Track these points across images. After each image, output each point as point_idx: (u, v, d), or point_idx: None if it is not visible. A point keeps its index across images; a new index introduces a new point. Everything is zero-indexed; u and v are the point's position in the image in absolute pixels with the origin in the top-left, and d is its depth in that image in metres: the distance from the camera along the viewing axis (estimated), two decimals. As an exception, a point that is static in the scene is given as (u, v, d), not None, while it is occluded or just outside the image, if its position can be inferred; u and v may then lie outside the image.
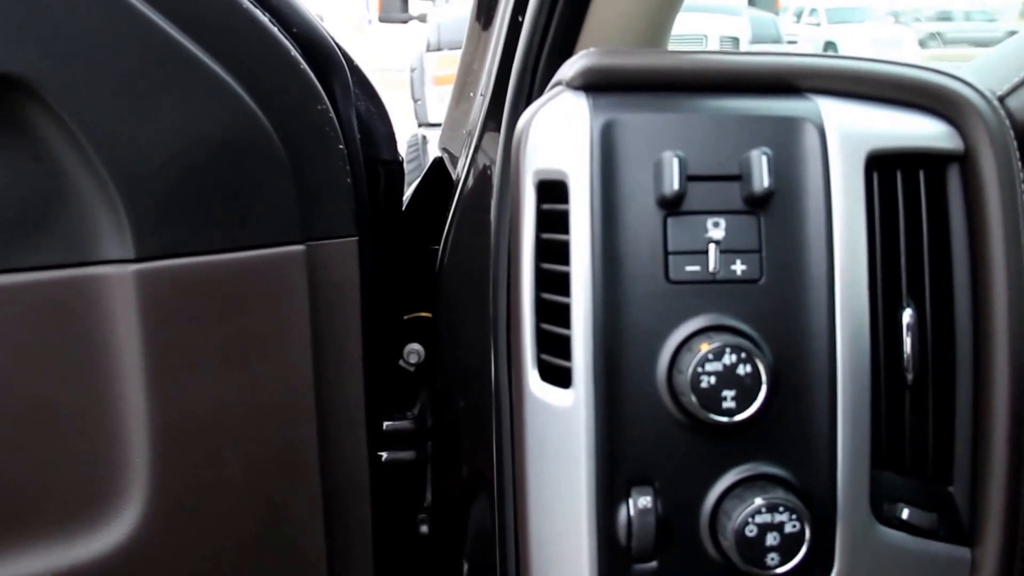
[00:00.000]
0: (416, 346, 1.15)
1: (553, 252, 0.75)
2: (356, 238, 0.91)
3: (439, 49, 5.67)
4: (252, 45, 0.83)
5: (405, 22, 5.29)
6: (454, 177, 1.14)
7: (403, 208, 1.18)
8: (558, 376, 0.75)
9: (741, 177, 0.72)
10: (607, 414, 0.72)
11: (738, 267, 0.72)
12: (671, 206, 0.72)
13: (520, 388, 0.78)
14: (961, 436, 0.78)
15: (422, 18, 5.67)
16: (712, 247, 0.72)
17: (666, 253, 0.72)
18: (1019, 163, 0.77)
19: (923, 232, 0.78)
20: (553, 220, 0.75)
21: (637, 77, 0.77)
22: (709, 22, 8.34)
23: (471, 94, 1.18)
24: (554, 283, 0.75)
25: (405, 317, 1.16)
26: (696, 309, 0.72)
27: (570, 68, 0.77)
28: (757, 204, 0.72)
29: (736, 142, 0.73)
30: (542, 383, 0.76)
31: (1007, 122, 0.78)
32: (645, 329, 0.72)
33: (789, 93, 0.78)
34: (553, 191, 0.75)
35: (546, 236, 0.76)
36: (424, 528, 1.15)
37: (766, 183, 0.71)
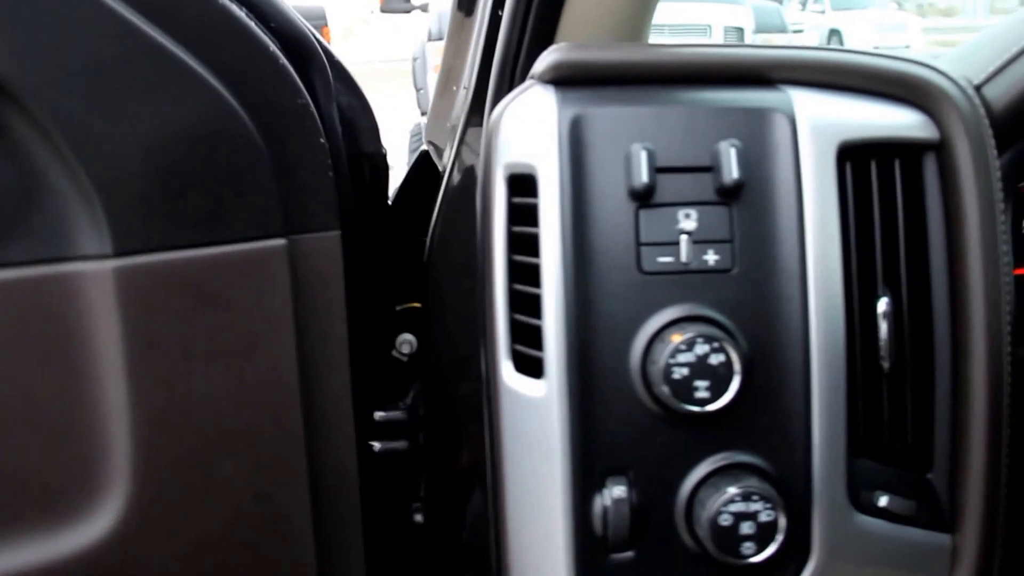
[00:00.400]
0: (409, 336, 1.15)
1: (525, 244, 0.76)
2: (339, 232, 0.91)
3: (440, 38, 5.66)
4: (229, 40, 0.82)
5: (407, 12, 5.29)
6: (440, 169, 1.14)
7: (391, 200, 1.18)
8: (533, 367, 0.75)
9: (712, 169, 0.73)
10: (580, 404, 0.73)
11: (710, 257, 0.72)
12: (642, 198, 0.72)
13: (495, 378, 0.78)
14: (940, 423, 0.78)
15: (424, 8, 5.68)
16: (684, 238, 0.72)
17: (638, 244, 0.73)
18: (995, 151, 0.77)
19: (899, 221, 0.78)
20: (524, 213, 0.76)
21: (608, 71, 0.77)
22: (713, 11, 8.30)
23: (454, 88, 1.18)
24: (526, 275, 0.75)
25: (398, 308, 1.16)
26: (669, 300, 0.72)
27: (541, 63, 0.78)
28: (728, 195, 0.73)
29: (707, 134, 0.73)
30: (516, 374, 0.76)
31: (982, 111, 0.78)
32: (618, 320, 0.73)
33: (762, 85, 0.78)
34: (523, 184, 0.76)
35: (517, 229, 0.77)
36: (418, 517, 1.15)
37: (735, 174, 0.71)
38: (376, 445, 1.11)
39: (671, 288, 0.73)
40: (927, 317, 0.78)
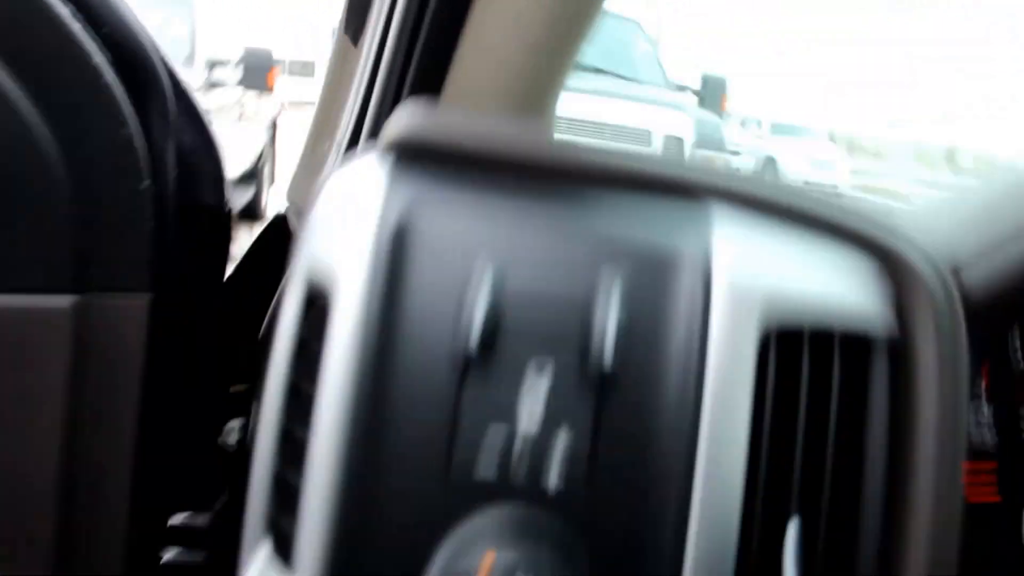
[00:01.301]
0: (238, 423, 0.97)
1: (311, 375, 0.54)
2: (149, 295, 0.75)
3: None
4: (41, 41, 0.68)
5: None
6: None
7: (235, 267, 1.00)
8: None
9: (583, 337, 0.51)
10: None
11: (552, 478, 0.50)
12: (467, 368, 0.51)
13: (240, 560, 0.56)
14: None
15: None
16: (519, 443, 0.50)
17: (451, 443, 0.50)
18: (967, 356, 0.58)
19: (830, 428, 0.57)
20: (319, 330, 0.54)
21: (471, 153, 0.58)
22: (653, 117, 8.34)
23: (327, 144, 1.02)
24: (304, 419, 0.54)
25: (231, 390, 0.99)
26: (483, 505, 0.51)
27: (388, 124, 0.59)
28: (594, 385, 0.51)
29: (583, 276, 0.52)
30: (274, 558, 0.54)
31: (959, 306, 0.59)
32: (411, 524, 0.51)
33: (677, 217, 0.57)
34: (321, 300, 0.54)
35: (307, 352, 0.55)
36: None
37: (607, 363, 0.50)
38: (169, 554, 0.91)
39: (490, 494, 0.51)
40: (851, 550, 0.57)
